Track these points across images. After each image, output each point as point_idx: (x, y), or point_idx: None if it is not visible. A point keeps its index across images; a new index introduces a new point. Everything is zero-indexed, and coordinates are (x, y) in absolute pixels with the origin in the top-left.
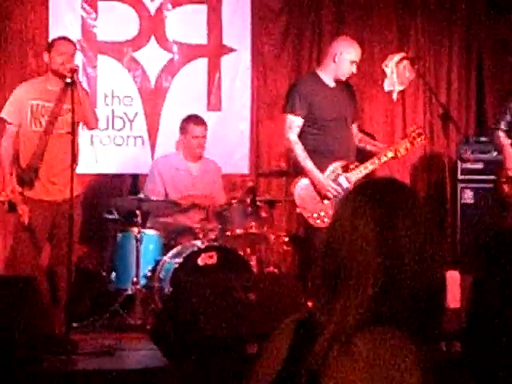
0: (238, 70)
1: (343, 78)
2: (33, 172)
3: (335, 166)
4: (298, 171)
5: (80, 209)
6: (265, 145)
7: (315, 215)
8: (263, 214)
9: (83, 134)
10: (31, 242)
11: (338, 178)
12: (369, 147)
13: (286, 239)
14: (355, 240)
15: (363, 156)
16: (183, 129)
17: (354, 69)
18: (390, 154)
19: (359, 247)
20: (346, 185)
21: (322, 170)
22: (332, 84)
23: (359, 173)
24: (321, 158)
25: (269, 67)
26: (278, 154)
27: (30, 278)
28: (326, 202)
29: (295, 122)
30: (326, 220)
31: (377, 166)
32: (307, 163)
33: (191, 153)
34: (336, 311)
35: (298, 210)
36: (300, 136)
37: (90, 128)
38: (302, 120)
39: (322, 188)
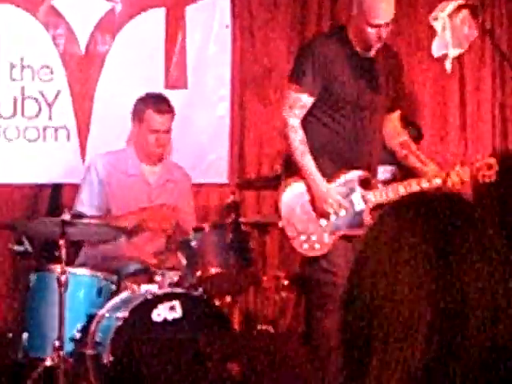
0: (211, 26)
1: (370, 52)
2: None
3: (352, 176)
4: (293, 171)
5: None
6: (253, 140)
7: (303, 237)
8: (251, 245)
9: None
10: None
11: (352, 195)
12: (411, 160)
13: (286, 282)
14: (396, 283)
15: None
16: (137, 115)
17: (382, 32)
18: (437, 182)
19: (402, 294)
20: (359, 207)
21: (329, 178)
22: (365, 52)
23: (383, 195)
24: (329, 161)
25: (258, 24)
26: (273, 152)
27: None
28: (322, 222)
29: (301, 100)
30: (316, 247)
31: (411, 191)
32: (306, 161)
33: (148, 151)
34: None
35: (280, 224)
36: (304, 124)
37: None
38: (312, 99)
39: (323, 200)
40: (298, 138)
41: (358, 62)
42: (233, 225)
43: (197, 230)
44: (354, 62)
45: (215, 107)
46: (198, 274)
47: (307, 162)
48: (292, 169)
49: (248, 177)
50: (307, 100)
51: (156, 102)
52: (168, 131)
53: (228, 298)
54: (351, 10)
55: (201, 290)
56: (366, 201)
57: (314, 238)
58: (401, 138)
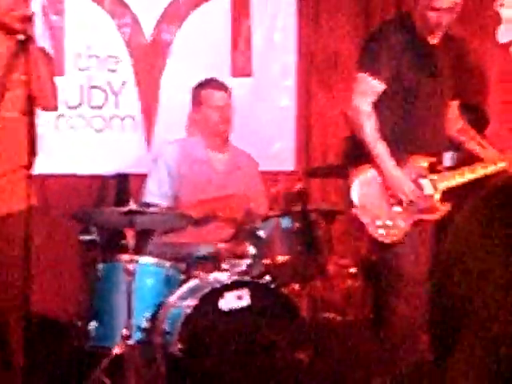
0: (277, 14)
1: (435, 37)
2: None
3: (419, 161)
4: (362, 159)
5: (38, 227)
6: (319, 128)
7: (378, 222)
8: (318, 233)
9: (43, 114)
10: None
11: (420, 180)
12: (471, 145)
13: (353, 270)
14: (488, 271)
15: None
16: (196, 99)
17: (443, 17)
18: (502, 165)
19: (495, 281)
20: (428, 191)
21: (398, 164)
22: (430, 38)
23: (451, 180)
24: (398, 148)
25: (324, 11)
26: (339, 141)
27: None
28: (396, 208)
29: (373, 87)
30: (392, 232)
31: (477, 177)
32: (379, 148)
33: (213, 130)
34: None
35: (353, 211)
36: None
37: (44, 109)
38: (384, 86)
39: (396, 187)
40: (371, 124)
41: (422, 48)
42: (300, 213)
43: (264, 218)
44: (418, 49)
45: (280, 96)
46: (266, 262)
47: (380, 149)
48: (359, 156)
49: (314, 165)
50: (379, 86)
51: (210, 82)
52: (228, 106)
53: (296, 286)
54: None
55: (268, 278)
56: (435, 186)
57: (389, 223)
58: (459, 124)
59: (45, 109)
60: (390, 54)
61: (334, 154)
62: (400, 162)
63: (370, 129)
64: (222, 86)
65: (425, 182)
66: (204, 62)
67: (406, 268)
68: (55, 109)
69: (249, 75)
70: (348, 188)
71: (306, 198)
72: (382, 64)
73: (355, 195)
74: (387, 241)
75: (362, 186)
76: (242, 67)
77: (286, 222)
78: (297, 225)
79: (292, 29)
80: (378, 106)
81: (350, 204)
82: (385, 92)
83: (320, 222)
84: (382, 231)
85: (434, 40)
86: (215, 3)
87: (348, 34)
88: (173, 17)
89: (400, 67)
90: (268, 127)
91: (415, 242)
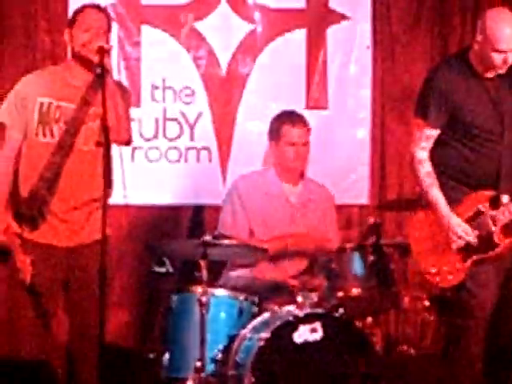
0: (352, 48)
1: (493, 72)
2: (39, 204)
3: (478, 196)
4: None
5: (113, 258)
6: (394, 161)
7: (433, 269)
8: (392, 266)
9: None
10: (36, 309)
11: (479, 218)
12: None
13: (427, 303)
14: None
15: None
16: (274, 133)
17: (509, 56)
18: None
19: None
20: (489, 229)
21: (456, 201)
22: (487, 73)
23: (510, 213)
24: (458, 183)
25: (399, 44)
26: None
27: (39, 361)
28: (453, 251)
29: (426, 134)
30: (449, 278)
31: None
32: (433, 194)
33: (287, 166)
34: None
35: (412, 258)
36: (432, 148)
37: (118, 143)
38: (437, 131)
39: (452, 232)
40: (424, 170)
41: (481, 83)
42: (374, 246)
43: (338, 251)
44: (477, 85)
45: (355, 129)
46: (339, 294)
47: (435, 195)
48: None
49: (389, 198)
50: (431, 133)
51: (291, 116)
52: (305, 144)
53: (369, 320)
54: (475, 35)
55: (342, 311)
56: (495, 221)
57: (445, 268)
58: None
59: (118, 142)
60: (443, 99)
61: (409, 186)
62: (460, 198)
63: (423, 174)
64: (302, 123)
65: (484, 220)
66: (280, 95)
67: (476, 304)
68: (128, 143)
69: (325, 108)
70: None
71: (379, 231)
72: (434, 111)
73: (412, 241)
74: (445, 285)
75: (417, 231)
76: (317, 100)
77: (359, 255)
78: (371, 258)
79: (367, 62)
80: (438, 142)
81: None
82: (444, 131)
83: (394, 255)
84: (437, 278)
85: (490, 74)
86: (291, 35)
87: (424, 67)
88: (249, 49)
89: (459, 107)
90: (343, 160)
91: (481, 282)
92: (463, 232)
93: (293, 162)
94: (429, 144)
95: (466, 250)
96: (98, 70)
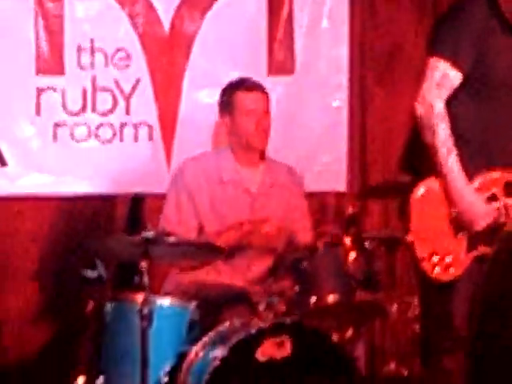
0: None
1: None
2: None
3: (494, 177)
4: (428, 170)
5: (30, 259)
6: (377, 136)
7: (435, 259)
8: (377, 265)
9: (36, 120)
10: None
11: (491, 205)
12: None
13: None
14: None
15: None
16: (225, 103)
17: None
18: None
19: None
20: (500, 219)
21: (469, 178)
22: None
23: None
24: (471, 157)
25: None
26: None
27: None
28: (460, 237)
29: (451, 78)
30: (451, 271)
31: None
32: (452, 163)
33: (248, 141)
34: None
35: (408, 239)
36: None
37: None
38: (461, 77)
39: (470, 215)
40: (445, 129)
41: (509, 33)
42: (354, 241)
43: (309, 247)
44: (506, 35)
45: (330, 97)
46: (312, 301)
47: (452, 164)
48: (427, 168)
49: (372, 183)
50: (456, 78)
51: (243, 82)
52: (266, 113)
53: (349, 332)
54: None
55: (315, 321)
56: (507, 209)
57: (448, 259)
58: None
59: None
60: (474, 39)
61: (396, 168)
62: (473, 174)
63: (444, 135)
64: (258, 87)
65: (496, 205)
66: (235, 59)
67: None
68: None
69: (291, 73)
70: (406, 206)
71: (360, 223)
72: (464, 50)
73: (412, 218)
74: (443, 279)
75: (420, 207)
76: (281, 64)
77: (336, 253)
78: (350, 256)
79: (344, 14)
80: (449, 103)
81: (408, 228)
82: (461, 86)
83: (378, 253)
84: (438, 269)
85: None
86: None
87: (411, 23)
88: (196, 2)
89: (485, 56)
90: (314, 136)
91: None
92: (483, 219)
93: (253, 135)
94: (448, 93)
95: (474, 238)
96: None
